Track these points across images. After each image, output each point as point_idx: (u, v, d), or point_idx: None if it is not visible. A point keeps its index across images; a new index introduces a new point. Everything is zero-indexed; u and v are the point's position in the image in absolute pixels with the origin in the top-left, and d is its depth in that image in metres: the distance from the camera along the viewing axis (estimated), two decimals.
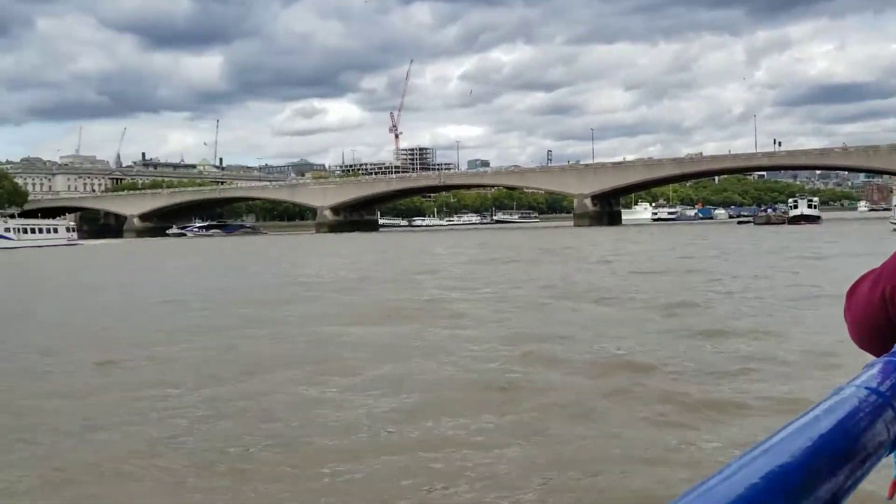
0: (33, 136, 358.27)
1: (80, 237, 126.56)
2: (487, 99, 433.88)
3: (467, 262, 30.44)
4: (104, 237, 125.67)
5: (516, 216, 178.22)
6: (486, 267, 27.44)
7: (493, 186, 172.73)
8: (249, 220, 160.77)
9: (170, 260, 44.40)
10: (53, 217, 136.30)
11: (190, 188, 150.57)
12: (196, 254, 51.18)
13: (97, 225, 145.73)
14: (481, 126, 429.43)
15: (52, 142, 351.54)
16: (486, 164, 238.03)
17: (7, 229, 78.33)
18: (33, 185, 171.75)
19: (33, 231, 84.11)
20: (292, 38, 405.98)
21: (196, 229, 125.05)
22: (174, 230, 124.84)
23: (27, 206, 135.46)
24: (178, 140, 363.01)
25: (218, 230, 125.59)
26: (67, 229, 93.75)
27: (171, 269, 34.24)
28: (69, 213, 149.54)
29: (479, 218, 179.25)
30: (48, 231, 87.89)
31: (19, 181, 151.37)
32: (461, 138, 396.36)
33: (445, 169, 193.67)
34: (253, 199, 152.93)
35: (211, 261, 41.53)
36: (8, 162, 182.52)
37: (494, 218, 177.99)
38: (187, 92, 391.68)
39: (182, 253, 54.33)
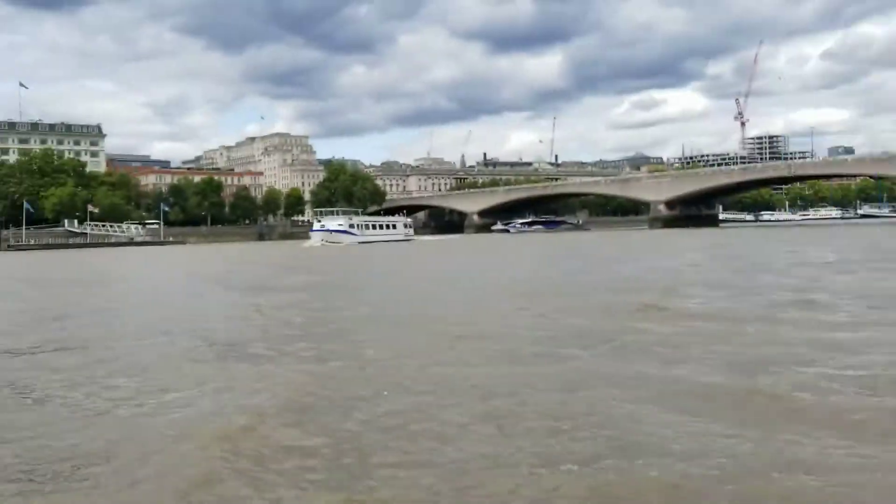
0: (393, 141, 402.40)
1: (429, 232, 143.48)
2: (854, 78, 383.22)
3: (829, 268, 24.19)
4: (448, 232, 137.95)
5: (886, 210, 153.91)
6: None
7: (856, 176, 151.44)
8: (582, 216, 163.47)
9: (468, 255, 44.89)
10: (408, 214, 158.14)
11: (524, 185, 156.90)
12: (507, 249, 51.15)
13: (443, 221, 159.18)
14: (846, 109, 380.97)
15: (408, 146, 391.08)
16: (849, 151, 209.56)
17: (351, 225, 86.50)
18: (390, 185, 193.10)
19: (374, 227, 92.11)
20: (633, 29, 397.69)
21: (518, 225, 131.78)
22: (498, 226, 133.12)
23: (385, 205, 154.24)
24: (517, 139, 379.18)
25: (540, 226, 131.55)
26: (405, 225, 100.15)
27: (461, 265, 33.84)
28: (420, 210, 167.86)
29: (840, 212, 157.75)
30: (387, 227, 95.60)
31: (379, 182, 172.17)
32: (820, 124, 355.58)
33: (799, 158, 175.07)
34: (584, 194, 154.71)
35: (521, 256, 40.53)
36: (371, 165, 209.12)
37: (859, 212, 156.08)
38: (527, 92, 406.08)
39: (492, 249, 54.74)
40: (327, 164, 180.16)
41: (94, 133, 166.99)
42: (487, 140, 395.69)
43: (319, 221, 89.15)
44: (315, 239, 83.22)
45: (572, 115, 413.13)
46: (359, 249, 65.88)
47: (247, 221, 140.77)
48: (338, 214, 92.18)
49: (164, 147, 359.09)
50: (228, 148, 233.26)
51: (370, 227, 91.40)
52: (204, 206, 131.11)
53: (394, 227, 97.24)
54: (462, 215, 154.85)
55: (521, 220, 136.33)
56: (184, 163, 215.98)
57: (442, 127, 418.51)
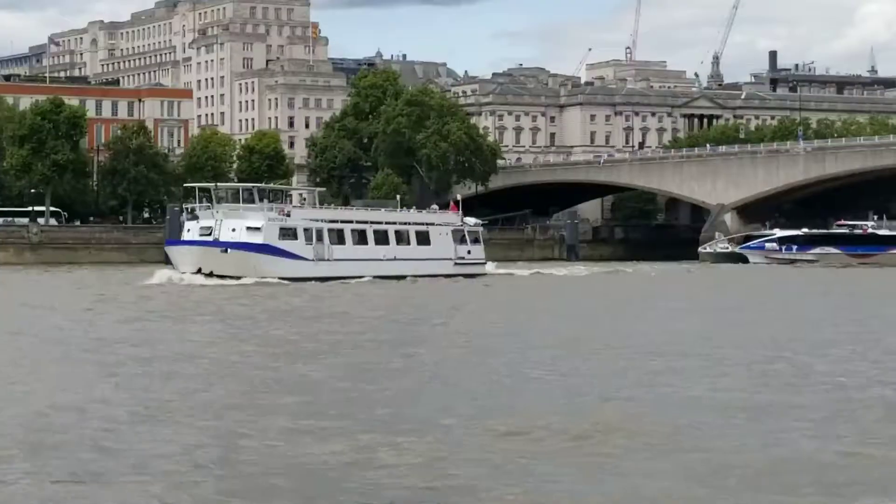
0: (539, 21, 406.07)
1: (607, 251, 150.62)
2: None
3: None
4: (657, 253, 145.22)
5: None
6: None
7: None
8: None
9: None
10: (565, 203, 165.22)
11: (863, 142, 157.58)
12: None
13: (647, 226, 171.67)
14: None
15: (577, 32, 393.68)
16: None
17: (286, 232, 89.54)
18: (516, 129, 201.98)
19: (361, 237, 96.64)
20: None
21: (773, 246, 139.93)
22: (718, 246, 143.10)
23: (497, 183, 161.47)
24: (867, 17, 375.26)
25: (832, 248, 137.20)
26: (457, 236, 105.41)
27: None
28: (592, 196, 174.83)
29: None
30: (402, 239, 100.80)
31: (488, 121, 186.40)
32: None
33: None
34: None
35: None
36: (473, 79, 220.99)
37: None
38: None
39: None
40: (360, 71, 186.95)
41: None
42: (784, 22, 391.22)
43: (195, 219, 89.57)
44: (182, 263, 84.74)
45: None
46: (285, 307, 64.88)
47: (146, 213, 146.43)
48: (254, 202, 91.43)
49: None
50: (112, 28, 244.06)
51: (345, 236, 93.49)
52: (36, 171, 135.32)
53: (423, 238, 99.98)
54: (700, 213, 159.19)
55: (783, 233, 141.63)
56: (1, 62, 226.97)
57: None
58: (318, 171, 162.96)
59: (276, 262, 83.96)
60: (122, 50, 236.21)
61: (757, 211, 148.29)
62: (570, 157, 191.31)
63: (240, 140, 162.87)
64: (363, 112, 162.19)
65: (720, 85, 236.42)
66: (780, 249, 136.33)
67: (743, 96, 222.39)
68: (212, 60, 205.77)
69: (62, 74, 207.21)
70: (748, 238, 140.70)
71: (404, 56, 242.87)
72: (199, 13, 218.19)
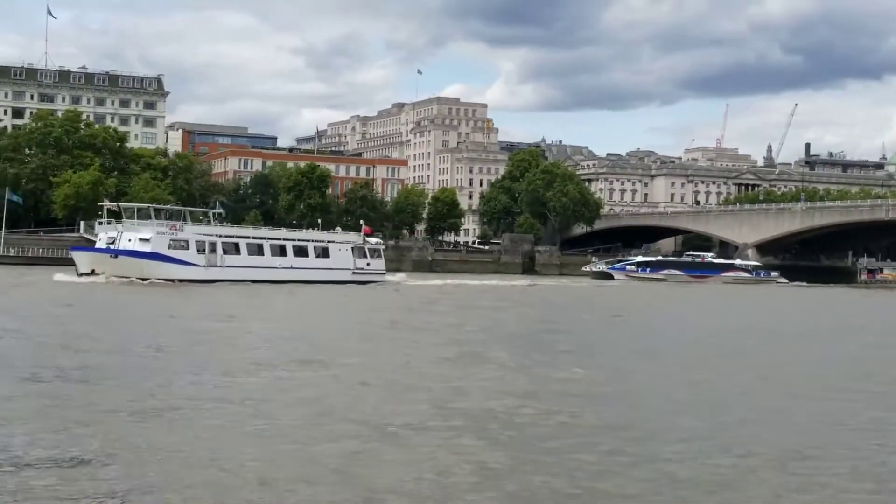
0: (671, 119, 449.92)
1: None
2: None
3: None
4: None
5: None
6: None
7: None
8: None
9: None
10: (647, 241, 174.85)
11: (838, 205, 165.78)
12: None
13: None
14: None
15: (694, 127, 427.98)
16: None
17: (178, 243, 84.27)
18: (622, 191, 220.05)
19: (256, 250, 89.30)
20: None
21: (632, 268, 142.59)
22: (594, 266, 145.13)
23: (601, 224, 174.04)
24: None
25: (676, 270, 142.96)
26: (359, 252, 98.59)
27: None
28: (667, 235, 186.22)
29: None
30: (301, 252, 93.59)
31: (602, 184, 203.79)
32: None
33: None
34: None
35: None
36: (600, 158, 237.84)
37: None
38: None
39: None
40: (515, 150, 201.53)
41: (152, 90, 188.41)
42: (838, 123, 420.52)
43: (106, 233, 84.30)
44: (80, 265, 78.97)
45: None
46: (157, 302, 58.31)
47: None
48: (153, 217, 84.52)
49: (321, 116, 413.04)
50: (364, 120, 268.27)
51: (241, 248, 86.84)
52: (297, 210, 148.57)
53: (323, 252, 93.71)
54: (731, 248, 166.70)
55: (642, 258, 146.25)
56: (298, 141, 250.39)
57: (766, 98, 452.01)
58: (484, 215, 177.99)
59: (163, 266, 79.22)
60: (369, 134, 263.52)
61: (770, 248, 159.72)
62: (658, 207, 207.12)
63: (428, 192, 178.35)
64: (515, 177, 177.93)
65: (775, 163, 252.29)
66: (637, 270, 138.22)
67: (776, 172, 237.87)
68: (423, 142, 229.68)
69: (330, 150, 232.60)
70: (621, 261, 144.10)
71: (560, 141, 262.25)
72: (417, 111, 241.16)
